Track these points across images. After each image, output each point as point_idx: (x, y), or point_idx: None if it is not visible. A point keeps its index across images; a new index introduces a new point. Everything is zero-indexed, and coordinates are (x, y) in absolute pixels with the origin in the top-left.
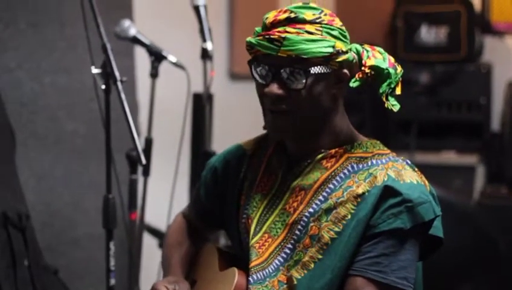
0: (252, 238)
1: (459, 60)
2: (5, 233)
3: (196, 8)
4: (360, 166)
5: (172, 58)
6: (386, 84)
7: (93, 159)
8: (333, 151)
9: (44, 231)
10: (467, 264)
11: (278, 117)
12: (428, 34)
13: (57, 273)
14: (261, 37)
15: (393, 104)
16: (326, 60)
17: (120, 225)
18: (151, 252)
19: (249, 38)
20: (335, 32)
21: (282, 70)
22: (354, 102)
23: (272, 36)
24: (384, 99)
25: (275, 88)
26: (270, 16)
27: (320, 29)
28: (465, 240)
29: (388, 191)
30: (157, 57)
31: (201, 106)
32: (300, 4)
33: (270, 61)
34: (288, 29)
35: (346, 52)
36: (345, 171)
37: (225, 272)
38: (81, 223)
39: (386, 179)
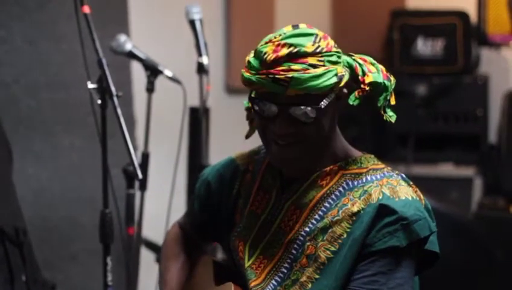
0: (248, 261)
1: (455, 72)
2: (2, 248)
3: (192, 22)
4: (355, 183)
5: (168, 72)
6: (382, 97)
7: (90, 174)
8: (328, 169)
9: (41, 246)
10: (464, 276)
11: (284, 149)
12: (424, 47)
13: (54, 289)
14: (263, 76)
15: (391, 116)
16: (332, 89)
17: (117, 240)
18: (148, 267)
19: (247, 74)
20: (334, 58)
21: (291, 108)
22: (352, 115)
23: (276, 76)
24: (382, 112)
25: (283, 126)
26: (269, 51)
27: (322, 59)
28: (463, 252)
29: (383, 210)
30: (153, 71)
31: (197, 120)
32: (294, 31)
33: (276, 99)
34: (293, 66)
35: (345, 71)
36: (340, 188)
37: (221, 287)
38: (79, 238)
39: (380, 197)
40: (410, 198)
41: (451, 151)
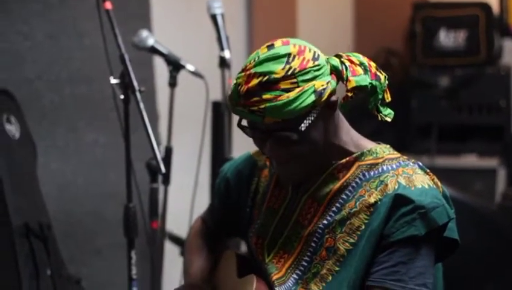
0: (268, 256)
1: (478, 64)
2: (28, 243)
3: (213, 17)
4: (372, 173)
5: (190, 67)
6: (372, 98)
7: (113, 169)
8: (344, 161)
9: (66, 241)
10: (489, 266)
11: (286, 168)
12: (447, 38)
13: (79, 283)
14: (240, 108)
15: (387, 114)
16: (312, 107)
17: (141, 234)
18: (173, 260)
19: (229, 105)
20: (310, 75)
21: (272, 135)
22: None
23: (251, 108)
24: (375, 113)
25: (275, 149)
26: (241, 83)
27: (295, 80)
28: (487, 242)
29: (399, 200)
30: (175, 66)
31: (220, 114)
32: (265, 55)
33: (258, 127)
34: (265, 96)
35: (328, 83)
36: (357, 180)
37: (244, 279)
38: (103, 233)
39: (396, 187)
40: (426, 186)
41: (474, 142)
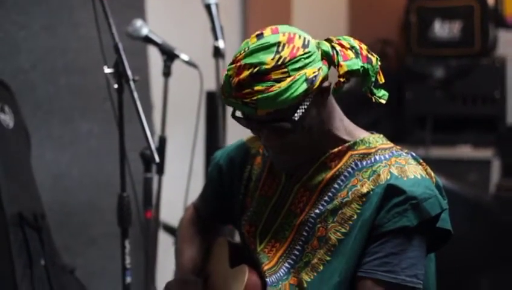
0: (260, 245)
1: (473, 54)
2: (21, 233)
3: (208, 7)
4: (364, 163)
5: (184, 56)
6: (365, 82)
7: (108, 159)
8: (336, 150)
9: (60, 231)
10: (484, 257)
11: (281, 156)
12: (442, 29)
13: (73, 273)
14: (232, 100)
15: (381, 95)
16: (304, 95)
17: (135, 224)
18: (166, 250)
19: (222, 98)
20: (300, 63)
21: (266, 126)
22: (368, 98)
23: (243, 100)
24: (369, 95)
25: (270, 140)
26: (233, 75)
27: (286, 70)
28: (482, 233)
29: (391, 190)
30: (169, 55)
31: (214, 104)
32: (253, 45)
33: (252, 117)
34: (256, 87)
35: (319, 70)
36: (349, 169)
37: (236, 269)
38: (97, 223)
39: (388, 178)
40: (419, 176)
41: (469, 133)
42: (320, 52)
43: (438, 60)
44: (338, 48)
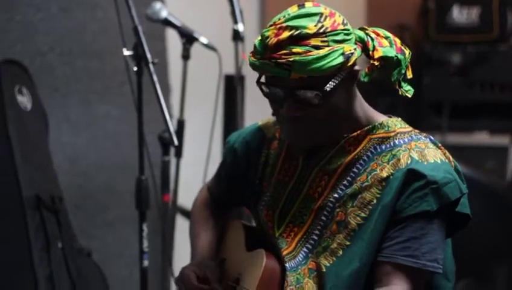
0: (278, 230)
1: (491, 41)
2: (39, 215)
3: None
4: (383, 147)
5: (203, 39)
6: (396, 71)
7: (126, 142)
8: (355, 134)
9: (77, 214)
10: (501, 245)
11: (297, 131)
12: (460, 15)
13: (90, 255)
14: (266, 60)
15: (407, 90)
16: (339, 69)
17: (153, 207)
18: (184, 234)
19: (252, 59)
20: (340, 37)
21: (296, 92)
22: (385, 83)
23: (279, 60)
24: (397, 86)
25: (290, 110)
26: (271, 35)
27: (326, 39)
28: (499, 221)
29: (412, 175)
30: (188, 38)
31: (233, 88)
32: (297, 12)
33: (281, 83)
34: (294, 49)
35: (355, 50)
36: (368, 153)
37: (253, 253)
38: (114, 206)
39: (409, 162)
40: (439, 161)
41: (486, 120)
42: (354, 37)
43: (455, 46)
44: (373, 35)
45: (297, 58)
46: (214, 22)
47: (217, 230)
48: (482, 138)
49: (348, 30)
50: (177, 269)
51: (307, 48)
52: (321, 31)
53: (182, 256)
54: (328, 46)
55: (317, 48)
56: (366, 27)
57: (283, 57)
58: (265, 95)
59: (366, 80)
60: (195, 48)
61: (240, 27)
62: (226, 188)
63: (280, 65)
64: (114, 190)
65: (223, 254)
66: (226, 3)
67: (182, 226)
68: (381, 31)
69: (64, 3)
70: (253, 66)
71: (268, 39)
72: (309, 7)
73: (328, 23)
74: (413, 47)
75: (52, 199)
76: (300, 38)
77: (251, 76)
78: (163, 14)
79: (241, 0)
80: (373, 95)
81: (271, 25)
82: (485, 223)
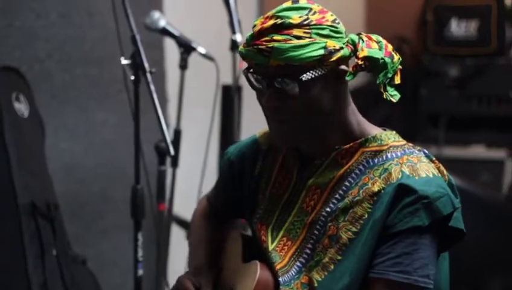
0: (272, 243)
1: (489, 54)
2: (34, 223)
3: (226, 0)
4: (376, 160)
5: (201, 49)
6: (382, 74)
7: (122, 150)
8: (348, 146)
9: (73, 221)
10: (496, 258)
11: (280, 126)
12: (458, 28)
13: (85, 264)
14: (250, 47)
15: (393, 94)
16: (319, 62)
17: (148, 216)
18: (179, 243)
19: (240, 48)
20: (325, 32)
21: (274, 80)
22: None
23: (259, 47)
24: (382, 90)
25: (270, 99)
26: (257, 24)
27: (309, 31)
28: (494, 234)
29: (403, 190)
30: (186, 48)
31: (230, 98)
32: (288, 5)
33: (262, 71)
34: (275, 37)
35: (341, 48)
36: (360, 167)
37: (248, 265)
38: (110, 214)
39: (400, 177)
40: (431, 175)
41: (483, 133)
42: (347, 39)
43: (453, 59)
44: (365, 38)
45: (276, 44)
46: (212, 32)
47: (215, 240)
48: (478, 151)
49: (337, 28)
50: (171, 279)
51: (288, 36)
52: (305, 22)
53: (176, 266)
54: (309, 37)
55: (298, 37)
56: (361, 33)
57: (263, 43)
58: (250, 84)
59: (349, 78)
60: (193, 58)
61: (238, 37)
62: (224, 199)
63: (260, 52)
64: (110, 197)
65: (221, 264)
66: (224, 13)
67: (177, 235)
68: (375, 36)
69: (63, 11)
70: (241, 54)
71: (255, 27)
72: (301, 2)
73: (314, 17)
74: (412, 59)
75: (48, 206)
76: (282, 27)
77: (248, 86)
78: (162, 23)
79: (239, 10)
80: (370, 106)
81: (262, 17)
82: (480, 236)
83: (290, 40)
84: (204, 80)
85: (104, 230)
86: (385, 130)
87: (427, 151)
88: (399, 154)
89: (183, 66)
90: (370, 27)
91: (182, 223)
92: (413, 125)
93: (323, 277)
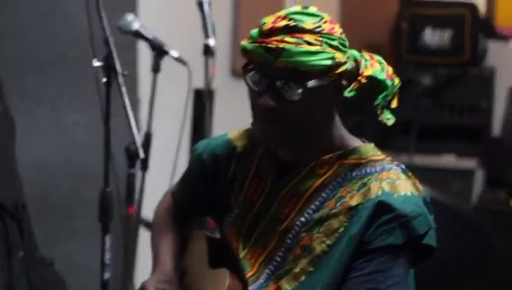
0: (243, 251)
1: (462, 64)
2: (1, 223)
3: (200, 4)
4: (354, 174)
5: (174, 53)
6: (382, 96)
7: (92, 152)
8: (327, 157)
9: (41, 222)
10: (464, 268)
11: (268, 127)
12: (432, 37)
13: (52, 265)
14: (257, 44)
15: (388, 118)
16: (324, 72)
17: (117, 219)
18: (147, 247)
19: (244, 43)
20: (335, 43)
21: (277, 82)
22: (353, 102)
23: (269, 45)
24: (379, 112)
25: (268, 100)
26: (268, 22)
27: (320, 39)
28: (463, 244)
29: (382, 207)
30: (159, 51)
31: (202, 102)
32: (300, 9)
33: (265, 70)
34: (286, 38)
35: (345, 62)
36: (338, 179)
37: (216, 272)
38: (79, 215)
39: (379, 193)
40: (409, 193)
41: (454, 142)
42: (349, 54)
43: (427, 68)
44: (367, 57)
45: (287, 46)
46: (186, 36)
47: (180, 239)
48: (449, 160)
49: (345, 42)
50: (138, 282)
51: (299, 40)
52: (317, 30)
53: (143, 269)
54: (320, 45)
55: (309, 43)
56: (363, 50)
57: (274, 42)
58: (247, 82)
59: (349, 95)
60: (165, 61)
61: (211, 42)
62: (191, 196)
63: (269, 50)
64: (79, 199)
65: (184, 266)
66: (198, 18)
67: (145, 239)
68: (377, 57)
69: (37, 11)
70: (244, 50)
71: (265, 25)
72: (312, 10)
73: (326, 26)
74: None
75: (16, 206)
76: (295, 30)
77: (220, 91)
78: (135, 26)
79: (213, 15)
80: (342, 112)
81: (272, 15)
82: (449, 246)
83: (301, 44)
84: (176, 84)
85: (73, 232)
86: (364, 142)
87: (403, 166)
88: (378, 169)
89: (156, 69)
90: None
91: (151, 226)
92: (385, 134)
93: (293, 286)
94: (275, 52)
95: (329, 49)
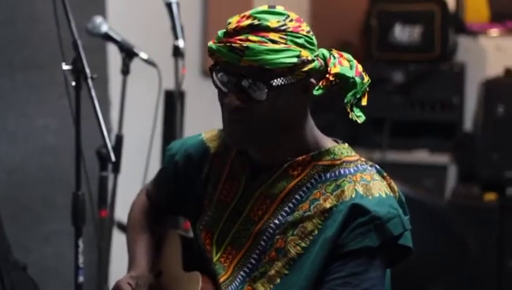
0: (216, 254)
1: (432, 60)
2: None
3: (169, 5)
4: (328, 175)
5: (143, 55)
6: (351, 94)
7: (64, 155)
8: (300, 159)
9: (13, 226)
10: (437, 264)
11: (235, 126)
12: (402, 33)
13: (25, 269)
14: (222, 44)
15: (358, 116)
16: (290, 70)
17: (89, 222)
18: (120, 250)
19: (210, 44)
20: (300, 40)
21: (244, 81)
22: (325, 99)
23: (233, 44)
24: (348, 109)
25: (234, 99)
26: (233, 22)
27: (285, 37)
28: (436, 240)
29: (356, 209)
30: (128, 53)
31: (172, 103)
32: (265, 9)
33: (231, 69)
34: (250, 37)
35: (313, 60)
36: (312, 180)
37: (189, 275)
38: (51, 219)
39: (353, 196)
40: (384, 195)
41: (426, 138)
42: (317, 52)
43: (397, 65)
44: (336, 55)
45: (251, 45)
46: (155, 37)
47: (155, 238)
48: (421, 156)
49: (312, 40)
50: (112, 285)
51: (264, 38)
52: (282, 28)
53: (118, 272)
54: (285, 43)
55: (273, 41)
56: (332, 49)
57: (238, 42)
58: (215, 82)
59: (317, 93)
60: (135, 63)
61: (181, 43)
62: (165, 195)
63: (233, 50)
64: (51, 203)
65: (159, 266)
66: (167, 19)
67: (118, 241)
68: (346, 55)
69: (5, 16)
70: (209, 50)
71: (230, 24)
72: (279, 9)
73: (291, 24)
74: None
75: None
76: (259, 29)
77: (191, 92)
78: (104, 28)
79: (182, 16)
80: (314, 111)
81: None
82: (422, 242)
83: (265, 42)
84: (146, 86)
85: (46, 235)
86: (337, 142)
87: (378, 167)
88: (352, 171)
89: (125, 71)
90: (314, 31)
91: (124, 228)
92: (357, 131)
93: (268, 289)
94: (239, 51)
95: (294, 47)
